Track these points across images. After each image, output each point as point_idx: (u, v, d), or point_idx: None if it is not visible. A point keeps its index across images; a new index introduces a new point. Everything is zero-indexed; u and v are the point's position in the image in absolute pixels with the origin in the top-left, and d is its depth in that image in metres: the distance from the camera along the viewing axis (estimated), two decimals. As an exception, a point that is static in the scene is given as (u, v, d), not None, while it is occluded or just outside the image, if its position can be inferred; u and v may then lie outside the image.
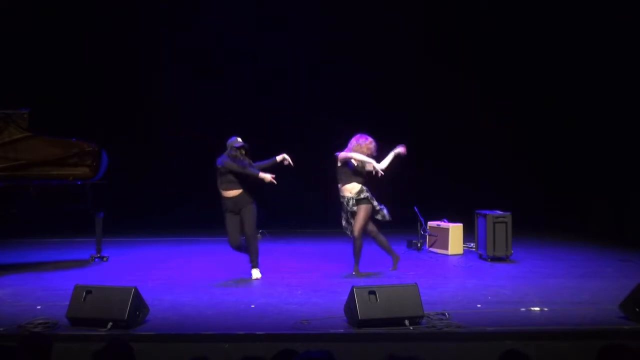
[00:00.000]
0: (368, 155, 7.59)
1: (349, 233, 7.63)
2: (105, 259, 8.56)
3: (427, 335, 5.21)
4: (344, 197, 7.57)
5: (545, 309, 5.90)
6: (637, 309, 5.42)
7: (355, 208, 7.50)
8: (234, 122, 11.94)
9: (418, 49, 11.81)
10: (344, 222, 7.65)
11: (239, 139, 7.47)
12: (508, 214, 8.71)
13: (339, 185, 7.59)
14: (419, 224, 9.60)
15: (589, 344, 4.95)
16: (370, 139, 7.68)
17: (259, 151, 11.83)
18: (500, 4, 11.64)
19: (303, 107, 11.89)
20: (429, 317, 5.46)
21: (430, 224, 9.60)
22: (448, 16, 11.81)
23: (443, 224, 9.43)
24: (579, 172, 11.34)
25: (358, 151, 7.59)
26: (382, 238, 7.75)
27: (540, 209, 11.52)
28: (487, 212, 8.76)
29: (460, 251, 9.29)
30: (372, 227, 7.66)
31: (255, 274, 7.43)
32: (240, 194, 7.37)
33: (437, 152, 12.07)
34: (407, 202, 9.83)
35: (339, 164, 7.57)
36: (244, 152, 7.44)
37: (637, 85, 10.32)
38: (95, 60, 11.61)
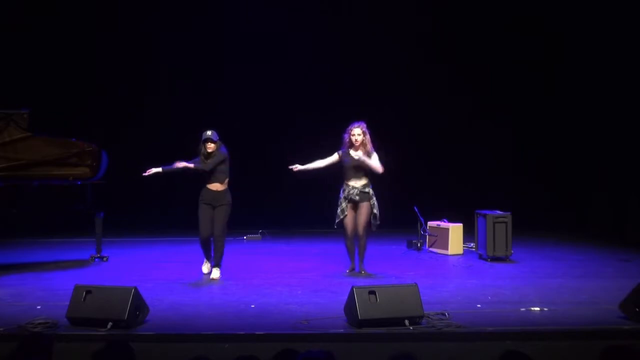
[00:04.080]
0: (351, 144, 7.57)
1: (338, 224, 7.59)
2: (105, 259, 8.56)
3: (427, 335, 5.21)
4: (348, 185, 7.53)
5: (545, 309, 5.90)
6: (637, 309, 5.42)
7: (357, 198, 7.47)
8: (234, 122, 11.95)
9: (418, 49, 11.80)
10: (339, 211, 7.55)
11: (208, 133, 7.39)
12: (508, 214, 8.71)
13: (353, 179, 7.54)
14: (419, 224, 9.59)
15: (589, 344, 4.96)
16: (349, 129, 7.64)
17: (260, 151, 11.95)
18: (500, 4, 11.64)
19: (302, 108, 11.87)
20: (429, 317, 5.46)
21: (430, 224, 9.60)
22: (448, 16, 11.81)
23: (443, 224, 9.43)
24: (579, 172, 11.35)
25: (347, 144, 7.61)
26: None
27: (540, 209, 11.52)
28: (487, 212, 8.76)
29: (460, 251, 9.29)
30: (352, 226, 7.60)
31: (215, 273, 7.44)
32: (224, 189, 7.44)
33: (437, 152, 12.06)
34: (407, 202, 9.83)
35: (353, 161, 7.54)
36: (205, 149, 7.35)
37: (637, 85, 10.31)
38: (96, 60, 11.61)
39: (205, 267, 7.66)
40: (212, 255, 7.47)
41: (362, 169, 7.55)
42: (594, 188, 11.25)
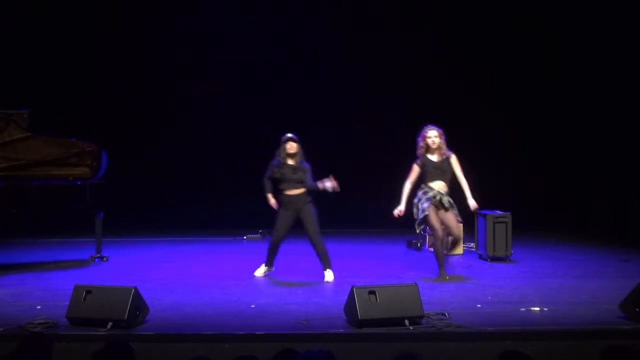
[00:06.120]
0: (427, 147, 7.35)
1: (418, 228, 7.43)
2: (105, 259, 8.56)
3: (427, 335, 5.20)
4: (432, 188, 7.26)
5: (545, 309, 5.90)
6: (637, 309, 5.42)
7: (447, 205, 7.25)
8: (234, 122, 11.96)
9: (418, 49, 11.80)
10: (420, 213, 7.25)
11: (289, 134, 7.38)
12: (508, 214, 8.71)
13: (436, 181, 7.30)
14: (419, 224, 9.58)
15: (588, 344, 4.96)
16: (424, 133, 7.44)
17: (259, 151, 11.93)
18: (500, 4, 11.64)
19: (302, 108, 11.87)
20: (429, 317, 5.45)
21: (430, 224, 9.58)
22: (448, 16, 11.81)
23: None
24: (579, 172, 11.34)
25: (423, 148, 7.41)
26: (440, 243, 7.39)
27: (540, 209, 11.52)
28: (487, 212, 8.75)
29: (460, 251, 9.28)
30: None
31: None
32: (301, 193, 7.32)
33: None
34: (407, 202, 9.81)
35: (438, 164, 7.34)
36: (286, 153, 7.31)
37: (637, 85, 10.31)
38: (96, 60, 11.61)
39: (260, 271, 7.52)
40: (273, 259, 7.50)
41: (445, 173, 7.33)
42: (594, 188, 11.24)
